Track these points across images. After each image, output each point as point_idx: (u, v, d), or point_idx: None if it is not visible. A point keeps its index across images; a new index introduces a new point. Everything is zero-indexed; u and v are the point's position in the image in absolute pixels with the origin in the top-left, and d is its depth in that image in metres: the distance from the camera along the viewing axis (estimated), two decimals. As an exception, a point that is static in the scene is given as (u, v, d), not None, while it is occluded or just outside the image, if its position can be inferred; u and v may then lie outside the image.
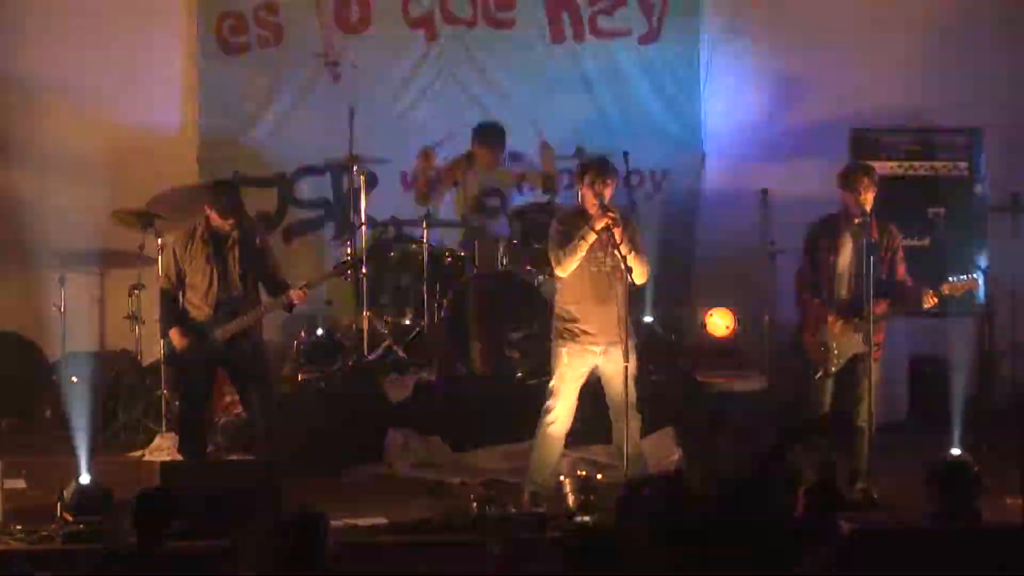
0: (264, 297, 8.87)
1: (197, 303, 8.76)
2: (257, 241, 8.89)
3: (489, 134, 10.34)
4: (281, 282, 8.86)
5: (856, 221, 8.53)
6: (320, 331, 10.40)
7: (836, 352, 8.61)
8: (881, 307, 8.53)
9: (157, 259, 9.60)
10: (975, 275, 8.77)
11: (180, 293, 8.81)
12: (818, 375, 8.69)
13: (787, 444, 7.30)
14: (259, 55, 11.03)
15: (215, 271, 8.72)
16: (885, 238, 8.62)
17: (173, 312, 8.81)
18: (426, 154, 10.40)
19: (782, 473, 6.56)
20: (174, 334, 8.76)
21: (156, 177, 10.82)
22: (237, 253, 8.75)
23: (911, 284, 8.63)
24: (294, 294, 8.70)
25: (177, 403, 9.40)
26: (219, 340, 8.70)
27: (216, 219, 8.72)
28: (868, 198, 8.55)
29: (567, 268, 8.49)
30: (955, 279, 8.55)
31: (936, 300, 8.57)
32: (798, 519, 6.38)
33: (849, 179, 8.66)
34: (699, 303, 11.18)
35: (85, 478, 8.09)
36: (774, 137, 11.13)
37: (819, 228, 8.80)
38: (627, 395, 8.41)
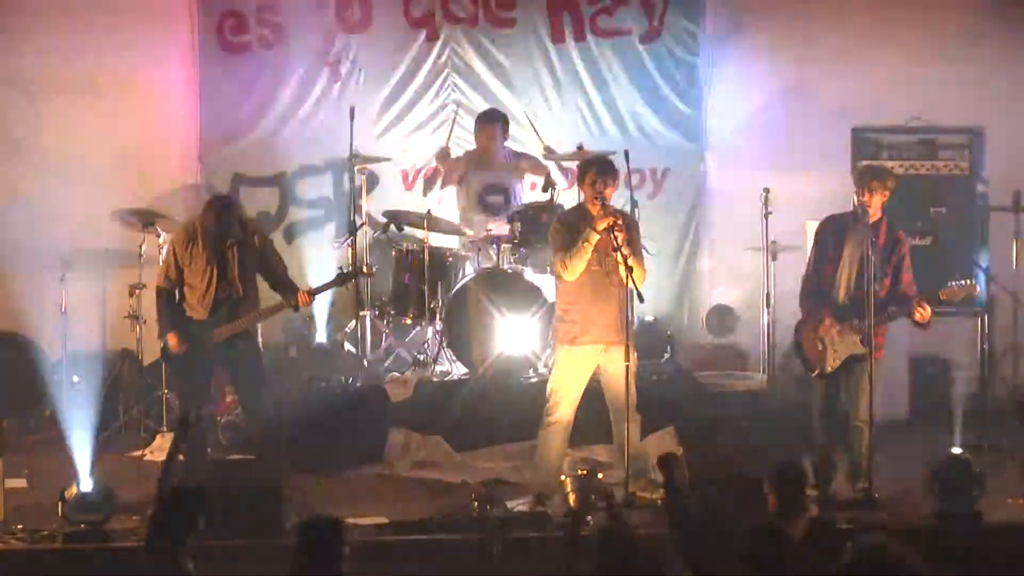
0: (264, 300, 8.88)
1: (194, 304, 8.76)
2: (257, 242, 8.90)
3: (490, 115, 10.52)
4: (289, 283, 8.90)
5: (862, 223, 8.50)
6: (321, 331, 10.40)
7: (834, 352, 8.59)
8: (882, 311, 8.50)
9: (158, 258, 9.59)
10: (972, 280, 8.71)
11: (177, 293, 8.81)
12: (814, 374, 8.68)
13: None
14: (260, 55, 11.03)
15: (215, 273, 8.72)
16: (892, 244, 8.58)
17: (171, 313, 8.81)
18: (443, 155, 10.54)
19: None
20: (171, 338, 8.76)
21: (157, 177, 10.84)
22: (237, 255, 8.76)
23: (914, 295, 8.54)
24: (301, 297, 8.76)
25: (177, 402, 9.41)
26: (215, 341, 8.70)
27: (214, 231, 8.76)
28: (874, 200, 8.48)
29: (573, 271, 8.46)
30: (953, 284, 8.51)
31: (929, 316, 8.46)
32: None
33: (858, 180, 8.64)
34: (700, 302, 11.20)
35: (86, 478, 8.08)
36: (775, 136, 11.13)
37: (826, 227, 8.77)
38: (628, 395, 8.41)
